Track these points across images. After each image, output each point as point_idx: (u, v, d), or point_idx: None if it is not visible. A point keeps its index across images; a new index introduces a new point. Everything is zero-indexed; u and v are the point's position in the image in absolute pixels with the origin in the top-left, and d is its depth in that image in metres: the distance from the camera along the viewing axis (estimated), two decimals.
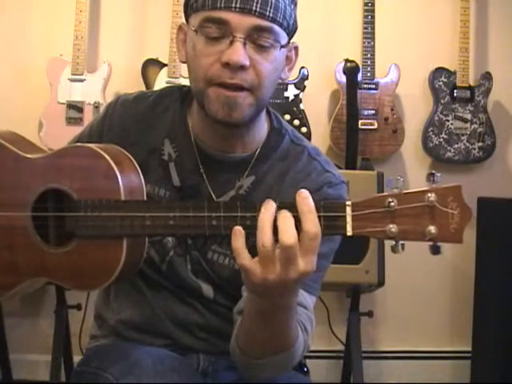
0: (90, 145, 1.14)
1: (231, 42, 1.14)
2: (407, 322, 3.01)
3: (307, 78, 2.80)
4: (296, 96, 2.79)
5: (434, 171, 0.95)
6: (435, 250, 0.94)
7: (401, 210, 0.94)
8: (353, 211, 0.96)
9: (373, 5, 2.82)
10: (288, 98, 2.78)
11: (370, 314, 2.62)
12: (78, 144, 1.18)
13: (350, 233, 0.96)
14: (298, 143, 1.32)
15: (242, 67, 1.14)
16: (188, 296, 1.28)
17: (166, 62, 2.77)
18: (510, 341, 2.47)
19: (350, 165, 2.71)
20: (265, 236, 0.95)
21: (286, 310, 1.05)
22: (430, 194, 0.93)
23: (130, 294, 1.30)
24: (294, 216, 0.96)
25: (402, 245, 0.96)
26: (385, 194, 0.96)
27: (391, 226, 0.94)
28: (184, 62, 1.24)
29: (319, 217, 0.96)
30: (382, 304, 2.98)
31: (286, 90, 2.78)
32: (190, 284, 1.28)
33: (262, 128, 1.30)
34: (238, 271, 1.13)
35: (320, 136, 2.87)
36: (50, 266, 1.11)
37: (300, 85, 2.80)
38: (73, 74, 2.74)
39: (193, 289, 1.28)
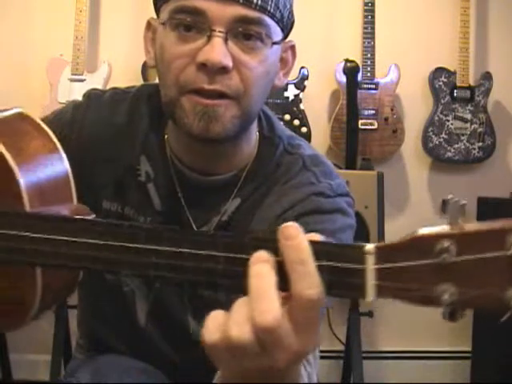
0: None
1: (209, 38, 0.91)
2: (407, 322, 3.00)
3: (307, 78, 2.80)
4: (296, 96, 2.79)
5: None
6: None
7: (462, 263, 0.55)
8: (378, 262, 0.58)
9: (373, 5, 2.82)
10: (288, 97, 2.78)
11: (370, 314, 2.62)
12: None
13: (371, 297, 0.59)
14: (292, 152, 1.09)
15: (224, 69, 0.92)
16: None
17: None
18: (510, 341, 2.47)
19: (350, 165, 2.71)
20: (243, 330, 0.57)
21: None
22: None
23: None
24: (278, 262, 0.58)
25: (462, 313, 0.59)
26: (434, 230, 0.56)
27: (445, 285, 0.58)
28: (154, 67, 1.01)
29: (320, 267, 0.58)
30: (382, 304, 2.97)
31: (286, 89, 2.78)
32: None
33: (251, 140, 1.07)
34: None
35: (320, 136, 2.87)
36: None
37: (300, 85, 2.79)
38: (73, 74, 2.74)
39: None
